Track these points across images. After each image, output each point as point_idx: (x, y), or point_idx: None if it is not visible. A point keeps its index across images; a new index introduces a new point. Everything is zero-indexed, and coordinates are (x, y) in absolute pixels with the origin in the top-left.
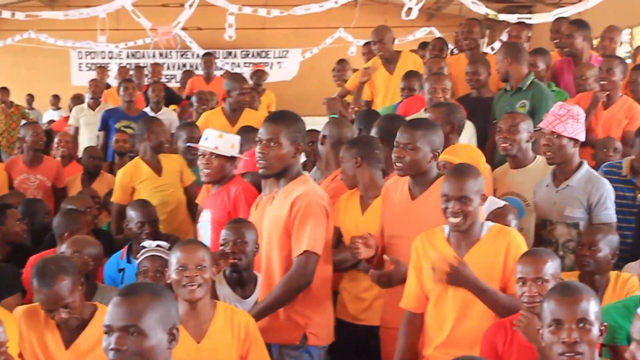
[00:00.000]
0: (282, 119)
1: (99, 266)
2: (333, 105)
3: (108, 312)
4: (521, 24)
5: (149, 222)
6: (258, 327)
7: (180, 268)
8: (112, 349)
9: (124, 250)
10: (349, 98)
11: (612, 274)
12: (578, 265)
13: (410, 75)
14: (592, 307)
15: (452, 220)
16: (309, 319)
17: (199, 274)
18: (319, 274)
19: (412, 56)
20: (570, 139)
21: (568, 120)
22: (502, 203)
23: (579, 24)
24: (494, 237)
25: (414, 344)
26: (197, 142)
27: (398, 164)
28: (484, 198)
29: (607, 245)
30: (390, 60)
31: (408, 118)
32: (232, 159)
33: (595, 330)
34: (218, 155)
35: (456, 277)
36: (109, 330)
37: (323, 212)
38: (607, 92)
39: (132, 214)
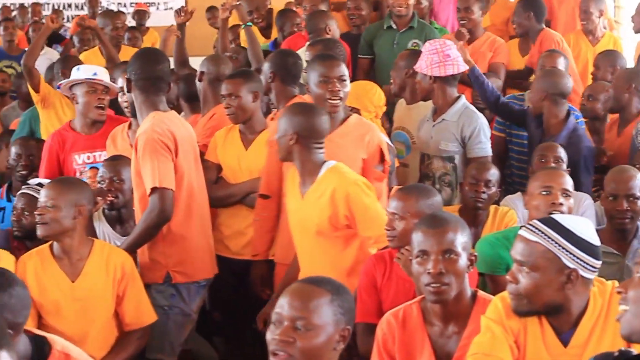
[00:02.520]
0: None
1: None
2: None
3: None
4: None
5: (26, 156)
6: None
7: (38, 206)
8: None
9: (3, 189)
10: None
11: (492, 207)
12: (470, 201)
13: (283, 13)
14: (459, 238)
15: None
16: (169, 257)
17: (45, 212)
18: (175, 210)
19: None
20: (425, 74)
21: (422, 56)
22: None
23: None
24: (325, 178)
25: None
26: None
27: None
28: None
29: (497, 181)
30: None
31: None
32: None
33: (462, 261)
34: (107, 90)
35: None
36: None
37: (161, 146)
38: (468, 29)
39: (12, 148)
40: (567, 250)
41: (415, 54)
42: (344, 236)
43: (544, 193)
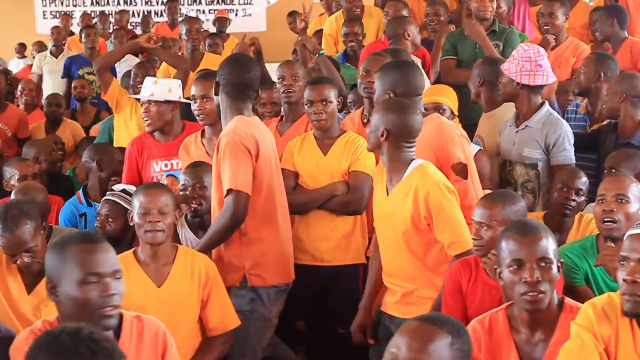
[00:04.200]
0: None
1: (48, 211)
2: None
3: None
4: None
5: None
6: None
7: (143, 212)
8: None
9: (78, 195)
10: None
11: (576, 215)
12: (559, 207)
13: (351, 20)
14: (550, 245)
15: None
16: (246, 259)
17: (161, 219)
18: (251, 214)
19: (376, 11)
20: (512, 79)
21: (513, 60)
22: (477, 148)
23: None
24: (410, 177)
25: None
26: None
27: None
28: (382, 132)
29: (586, 190)
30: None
31: None
32: (172, 103)
33: (554, 268)
34: (156, 102)
35: None
36: None
37: (242, 149)
38: (553, 36)
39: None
40: None
41: (486, 61)
42: (428, 236)
43: (600, 201)
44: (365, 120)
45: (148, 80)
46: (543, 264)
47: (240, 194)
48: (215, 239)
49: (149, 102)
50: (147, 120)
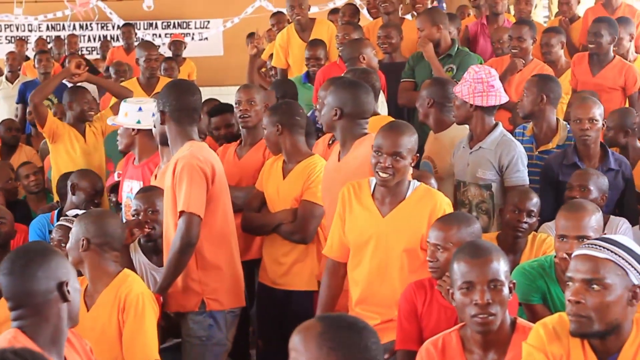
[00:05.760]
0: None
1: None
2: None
3: None
4: None
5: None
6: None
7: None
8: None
9: (52, 215)
10: (263, 69)
11: (529, 235)
12: (512, 229)
13: (315, 44)
14: (501, 267)
15: (382, 175)
16: (204, 284)
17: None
18: (209, 238)
19: (326, 23)
20: (465, 101)
21: (465, 82)
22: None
23: None
24: (420, 198)
25: (337, 294)
26: None
27: None
28: (414, 158)
29: (538, 211)
30: (305, 27)
31: None
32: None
33: (505, 290)
34: (140, 130)
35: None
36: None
37: (199, 173)
38: (522, 60)
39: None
40: (633, 267)
41: (435, 82)
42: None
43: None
44: (330, 142)
45: (130, 106)
46: (493, 286)
47: (192, 216)
48: (174, 265)
49: (133, 129)
50: (124, 142)
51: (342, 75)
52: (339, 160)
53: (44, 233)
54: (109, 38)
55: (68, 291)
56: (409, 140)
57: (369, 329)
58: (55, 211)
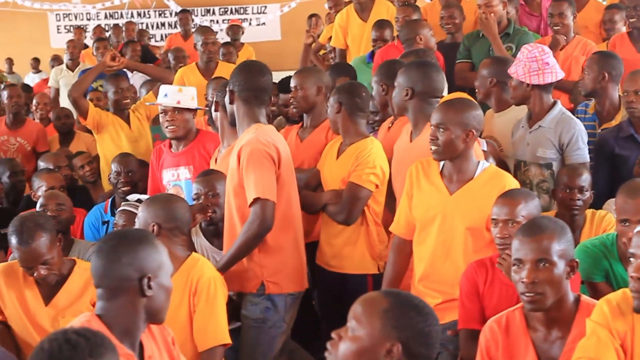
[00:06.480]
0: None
1: (73, 221)
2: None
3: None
4: None
5: (125, 172)
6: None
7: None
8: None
9: (107, 204)
10: (322, 51)
11: (588, 212)
12: (566, 208)
13: (382, 25)
14: (554, 246)
15: (431, 146)
16: (265, 267)
17: None
18: (275, 222)
19: (385, 3)
20: (521, 82)
21: (520, 62)
22: (484, 146)
23: None
24: (489, 178)
25: (402, 271)
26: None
27: None
28: (469, 133)
29: (590, 185)
30: (364, 7)
31: None
32: (193, 111)
33: (558, 269)
34: (181, 110)
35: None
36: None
37: (267, 158)
38: (564, 36)
39: (112, 165)
40: None
41: (497, 61)
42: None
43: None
44: (390, 125)
45: (169, 87)
46: (542, 265)
47: (266, 202)
48: (244, 249)
49: (174, 109)
50: (171, 127)
51: (400, 56)
52: (410, 140)
53: (97, 227)
54: (166, 25)
55: (149, 286)
56: (457, 114)
57: (433, 315)
58: (109, 200)
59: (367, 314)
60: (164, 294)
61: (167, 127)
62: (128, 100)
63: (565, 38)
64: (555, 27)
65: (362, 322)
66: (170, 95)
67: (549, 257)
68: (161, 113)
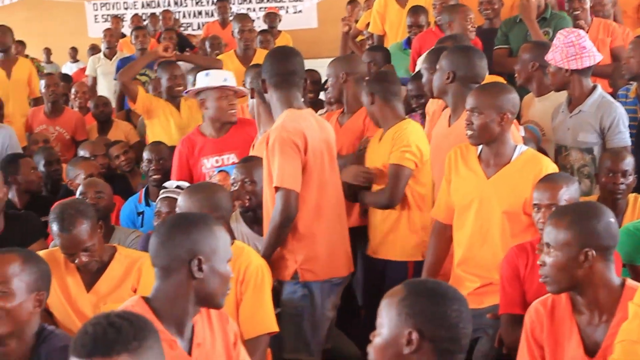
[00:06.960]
0: None
1: (113, 208)
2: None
3: None
4: None
5: (156, 160)
6: None
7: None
8: None
9: (140, 193)
10: (360, 38)
11: (631, 196)
12: (609, 192)
13: (417, 11)
14: (562, 234)
15: (466, 131)
16: (298, 255)
17: None
18: (303, 209)
19: None
20: (560, 67)
21: (557, 48)
22: (522, 132)
23: None
24: (526, 162)
25: (442, 256)
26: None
27: None
28: (503, 116)
29: (633, 169)
30: None
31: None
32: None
33: (559, 257)
34: (236, 95)
35: None
36: None
37: (291, 145)
38: (582, 20)
39: (143, 154)
40: None
41: (538, 46)
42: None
43: None
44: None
45: (227, 73)
46: (547, 249)
47: (288, 191)
48: (273, 239)
49: (235, 93)
50: (234, 111)
51: (437, 41)
52: (449, 125)
53: (132, 220)
54: (204, 14)
55: (201, 269)
56: (491, 98)
57: (450, 296)
58: (142, 190)
59: (387, 307)
60: (218, 279)
61: (230, 111)
62: (181, 87)
63: (584, 22)
64: (575, 12)
65: (382, 315)
66: (199, 81)
67: (550, 242)
68: (221, 98)
